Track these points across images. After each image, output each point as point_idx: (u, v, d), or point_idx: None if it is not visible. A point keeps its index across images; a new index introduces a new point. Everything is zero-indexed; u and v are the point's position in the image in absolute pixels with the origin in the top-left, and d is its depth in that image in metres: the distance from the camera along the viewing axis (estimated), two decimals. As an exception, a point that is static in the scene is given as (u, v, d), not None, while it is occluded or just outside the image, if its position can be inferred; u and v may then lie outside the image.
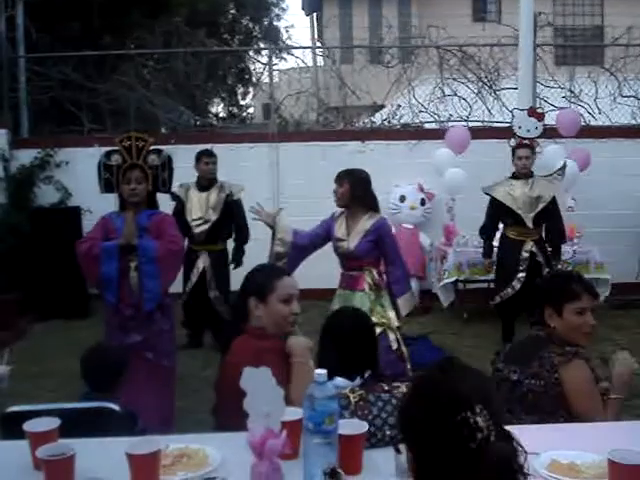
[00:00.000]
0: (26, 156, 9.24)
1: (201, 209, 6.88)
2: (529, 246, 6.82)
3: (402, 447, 2.14)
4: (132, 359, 4.50)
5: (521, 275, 6.79)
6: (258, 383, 2.04)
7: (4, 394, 3.39)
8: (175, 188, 6.96)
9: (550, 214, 6.89)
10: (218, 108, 20.79)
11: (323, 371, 2.06)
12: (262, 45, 19.61)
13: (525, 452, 1.53)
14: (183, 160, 8.51)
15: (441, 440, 1.48)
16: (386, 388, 2.43)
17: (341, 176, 5.14)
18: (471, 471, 1.45)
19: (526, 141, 7.91)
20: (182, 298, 6.88)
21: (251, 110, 21.71)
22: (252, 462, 2.06)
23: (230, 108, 21.16)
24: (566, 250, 7.82)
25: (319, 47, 10.89)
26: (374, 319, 4.60)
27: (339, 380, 2.62)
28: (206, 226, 6.85)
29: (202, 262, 6.89)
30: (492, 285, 7.51)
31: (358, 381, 2.64)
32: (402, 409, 1.62)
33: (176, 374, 4.76)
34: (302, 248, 5.18)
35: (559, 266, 7.51)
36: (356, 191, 5.05)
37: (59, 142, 9.29)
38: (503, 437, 1.50)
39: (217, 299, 6.89)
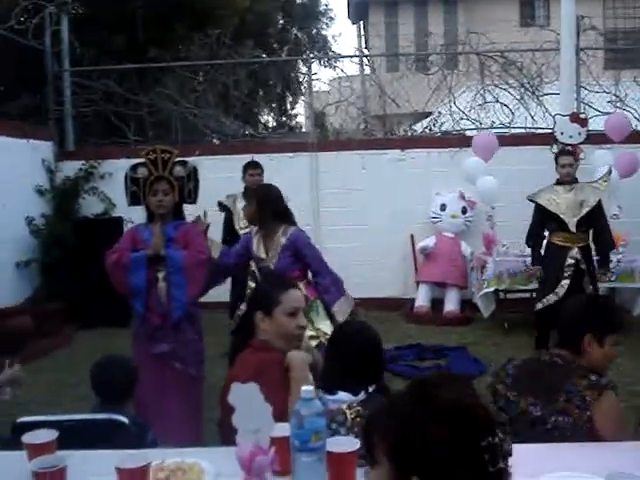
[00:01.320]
0: (71, 168, 9.45)
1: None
2: (574, 252, 6.67)
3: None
4: (160, 369, 4.58)
5: (565, 282, 6.65)
6: (247, 399, 2.03)
7: (25, 401, 3.44)
8: (223, 198, 7.13)
9: (596, 219, 6.73)
10: (268, 117, 20.97)
11: (310, 387, 2.03)
12: (311, 54, 19.67)
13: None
14: (228, 170, 8.68)
15: (462, 465, 1.40)
16: (385, 404, 2.38)
17: (250, 195, 5.12)
18: None
19: (568, 147, 7.79)
20: (241, 307, 6.96)
21: (300, 119, 21.82)
22: (241, 478, 2.04)
23: (279, 117, 21.31)
24: (610, 259, 7.64)
25: (356, 55, 10.89)
26: (309, 333, 4.41)
27: (342, 394, 2.59)
28: None
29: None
30: (534, 295, 7.36)
31: (362, 396, 2.60)
32: (414, 431, 1.43)
33: (203, 384, 4.76)
34: (225, 268, 5.21)
35: (606, 275, 7.34)
36: (264, 208, 5.00)
37: (103, 154, 9.49)
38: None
39: None
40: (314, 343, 4.50)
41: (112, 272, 4.57)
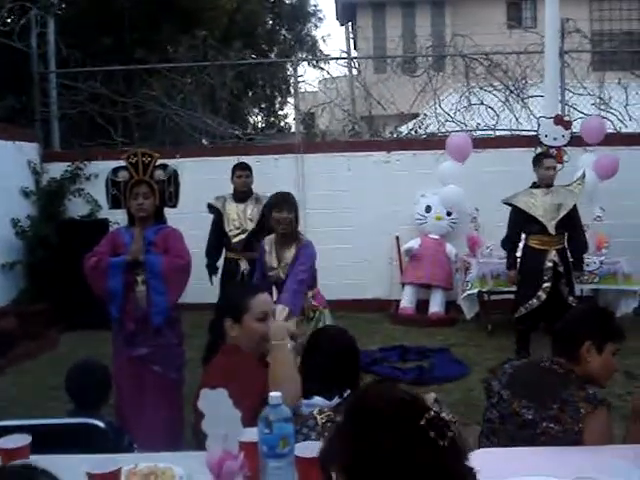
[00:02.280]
0: (57, 169, 9.44)
1: (239, 219, 7.02)
2: (552, 255, 6.72)
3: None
4: (139, 372, 4.60)
5: (546, 285, 6.69)
6: (216, 404, 2.04)
7: (7, 404, 3.44)
8: (211, 199, 7.16)
9: (572, 223, 6.79)
10: (257, 118, 20.93)
11: (277, 394, 2.05)
12: (298, 56, 19.67)
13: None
14: (214, 172, 8.70)
15: (410, 452, 1.39)
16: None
17: (286, 202, 4.91)
18: (446, 471, 1.41)
19: (552, 151, 7.85)
20: None
21: (289, 120, 21.80)
22: (212, 483, 2.07)
23: (268, 118, 21.28)
24: (593, 261, 7.71)
25: (343, 57, 10.83)
26: None
27: (317, 399, 2.61)
28: (243, 236, 6.98)
29: (243, 268, 7.01)
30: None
31: (336, 400, 2.63)
32: (355, 436, 1.44)
33: (183, 387, 4.77)
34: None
35: (583, 277, 7.42)
36: (297, 218, 4.93)
37: (89, 155, 9.47)
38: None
39: None
40: None
41: (90, 276, 4.60)
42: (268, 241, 4.98)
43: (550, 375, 2.85)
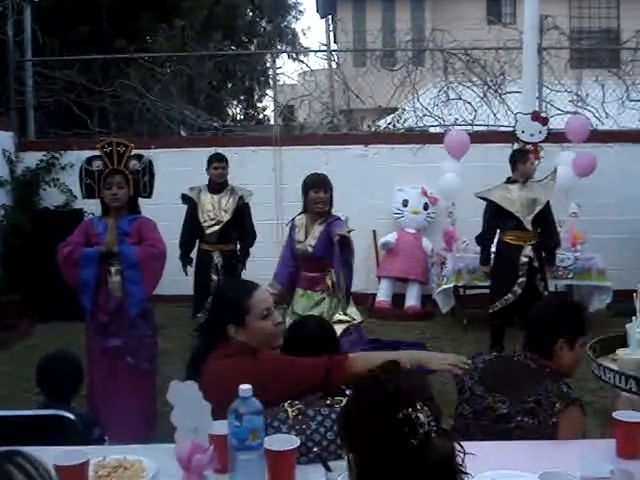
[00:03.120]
0: (32, 158, 9.33)
1: (213, 210, 6.99)
2: (527, 250, 6.77)
3: (333, 464, 2.13)
4: (112, 363, 4.57)
5: (522, 280, 6.74)
6: (185, 397, 2.03)
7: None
8: (186, 190, 7.12)
9: (545, 218, 6.85)
10: (235, 110, 20.83)
11: (247, 386, 2.03)
12: (277, 48, 19.60)
13: (464, 451, 1.54)
14: (190, 163, 8.66)
15: (383, 438, 1.48)
16: (328, 402, 2.40)
17: (324, 182, 5.28)
18: (412, 469, 1.46)
19: (529, 147, 7.89)
20: (209, 300, 6.98)
21: (268, 112, 21.72)
22: (181, 476, 2.05)
23: (247, 110, 21.18)
24: (567, 257, 7.76)
25: (322, 50, 10.84)
26: (337, 317, 4.97)
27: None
28: (218, 227, 6.96)
29: (216, 260, 6.98)
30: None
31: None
32: (344, 410, 1.63)
33: (156, 378, 4.75)
34: (290, 283, 5.35)
35: (558, 272, 7.49)
36: (331, 199, 5.28)
37: (65, 145, 9.36)
38: (444, 435, 1.51)
39: None
40: (342, 327, 4.97)
41: (63, 266, 4.59)
42: (299, 219, 5.32)
43: (524, 369, 2.86)
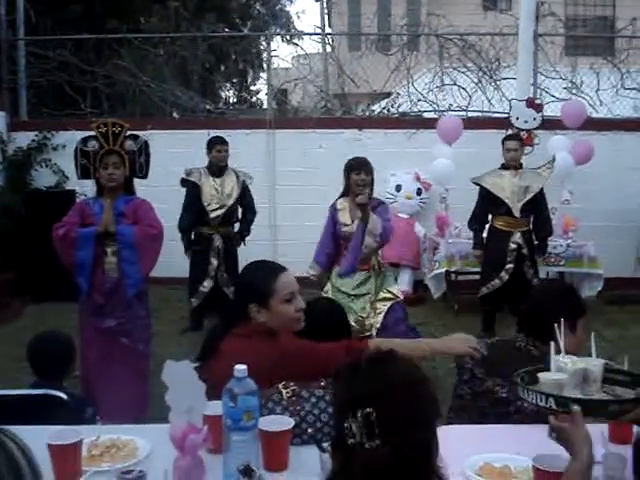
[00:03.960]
0: (24, 139, 9.28)
1: (218, 194, 7.03)
2: (516, 237, 6.83)
3: (327, 445, 2.13)
4: (107, 344, 4.57)
5: (509, 266, 6.81)
6: (180, 377, 2.02)
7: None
8: (181, 173, 7.11)
9: (537, 206, 6.89)
10: (228, 93, 20.73)
11: (242, 366, 2.03)
12: (272, 31, 19.49)
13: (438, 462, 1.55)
14: (183, 145, 8.63)
15: (336, 432, 1.56)
16: (322, 384, 2.40)
17: (365, 165, 5.33)
18: (345, 469, 1.49)
19: (523, 132, 7.91)
20: (204, 284, 6.98)
21: (261, 95, 21.64)
22: (175, 456, 2.05)
23: (240, 93, 21.09)
24: (559, 244, 7.78)
25: (316, 33, 10.85)
26: (382, 295, 5.28)
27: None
28: (222, 211, 7.03)
29: (217, 243, 6.99)
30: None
31: None
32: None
33: (150, 360, 4.76)
34: (329, 265, 5.53)
35: (550, 259, 7.52)
36: (372, 181, 5.31)
37: (57, 125, 9.31)
38: (397, 447, 1.48)
39: (225, 280, 6.98)
40: (388, 304, 5.29)
41: (59, 246, 4.55)
42: (340, 202, 5.45)
43: (525, 356, 2.84)
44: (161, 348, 5.49)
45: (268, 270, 2.75)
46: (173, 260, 6.81)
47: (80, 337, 4.56)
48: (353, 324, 4.65)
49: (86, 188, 7.90)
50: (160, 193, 6.96)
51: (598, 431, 2.46)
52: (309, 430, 2.29)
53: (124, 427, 2.48)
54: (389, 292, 5.38)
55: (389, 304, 5.31)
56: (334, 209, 5.45)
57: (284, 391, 2.35)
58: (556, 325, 2.29)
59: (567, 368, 2.09)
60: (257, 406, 2.06)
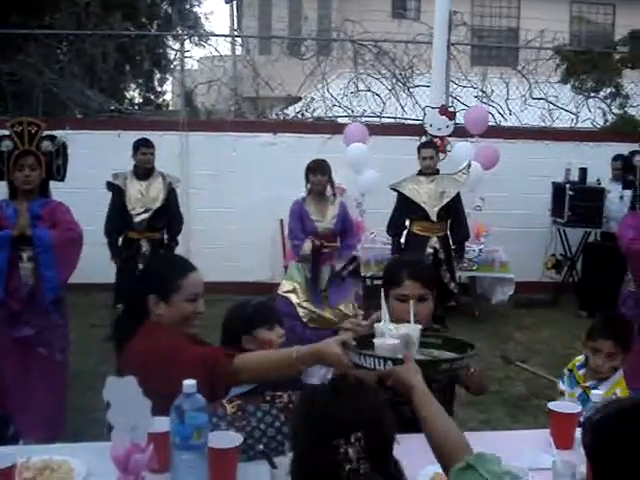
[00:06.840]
0: None
1: (142, 198, 6.85)
2: (433, 242, 6.96)
3: (277, 461, 2.06)
4: (23, 354, 4.35)
5: None
6: (123, 394, 1.92)
7: None
8: (110, 178, 6.91)
9: (454, 210, 7.04)
10: (134, 93, 20.31)
11: (192, 381, 1.94)
12: (182, 31, 19.21)
13: None
14: (91, 146, 8.34)
15: (317, 460, 1.48)
16: (267, 398, 2.32)
17: (321, 167, 6.27)
18: None
19: (436, 140, 8.03)
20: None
21: (167, 97, 21.31)
22: (116, 477, 1.94)
23: (146, 94, 20.69)
24: (472, 249, 7.93)
25: (235, 35, 10.70)
26: None
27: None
28: (147, 215, 6.83)
29: (144, 249, 6.80)
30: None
31: (245, 388, 2.52)
32: (290, 422, 1.76)
33: (67, 370, 4.57)
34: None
35: (462, 264, 7.66)
36: (330, 179, 6.32)
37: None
38: (380, 469, 1.48)
39: None
40: None
41: (-30, 252, 4.30)
42: (306, 200, 6.37)
43: None
44: (80, 359, 5.32)
45: (179, 266, 2.69)
46: (91, 266, 6.57)
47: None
48: None
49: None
50: (70, 195, 6.70)
51: (541, 437, 2.49)
52: (256, 446, 2.21)
53: (56, 446, 2.34)
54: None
55: None
56: (300, 205, 6.30)
57: (228, 406, 2.27)
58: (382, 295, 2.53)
59: (393, 333, 2.24)
60: (207, 423, 1.97)
